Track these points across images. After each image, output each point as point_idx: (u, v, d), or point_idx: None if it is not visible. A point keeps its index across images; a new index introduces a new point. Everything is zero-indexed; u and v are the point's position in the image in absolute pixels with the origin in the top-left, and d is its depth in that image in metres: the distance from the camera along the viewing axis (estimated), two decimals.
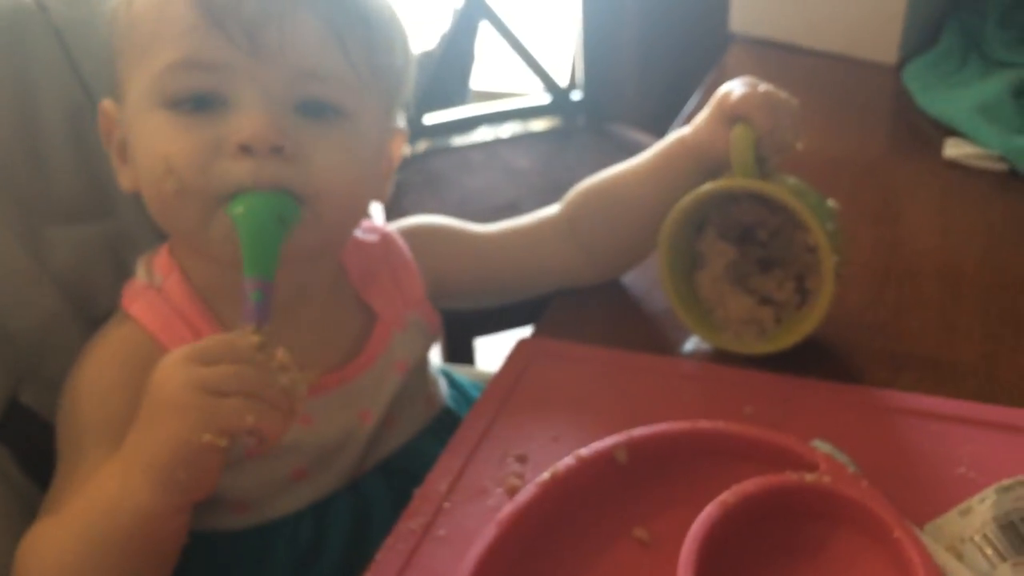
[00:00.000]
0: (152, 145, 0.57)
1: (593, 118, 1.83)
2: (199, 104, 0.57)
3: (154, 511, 0.52)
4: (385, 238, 0.71)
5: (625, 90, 1.90)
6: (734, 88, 0.68)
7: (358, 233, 0.70)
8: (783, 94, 0.68)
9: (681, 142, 0.71)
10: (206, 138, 0.56)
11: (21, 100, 0.67)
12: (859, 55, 1.18)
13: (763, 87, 0.68)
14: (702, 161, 0.70)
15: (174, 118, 0.57)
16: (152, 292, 0.64)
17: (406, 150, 1.86)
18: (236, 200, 0.56)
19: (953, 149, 0.95)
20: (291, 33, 0.56)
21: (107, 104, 0.62)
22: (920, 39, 1.17)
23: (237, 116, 0.56)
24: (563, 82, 1.83)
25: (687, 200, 0.67)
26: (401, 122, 0.68)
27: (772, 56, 1.23)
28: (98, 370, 0.61)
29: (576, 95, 1.82)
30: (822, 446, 0.57)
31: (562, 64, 1.92)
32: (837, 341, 0.70)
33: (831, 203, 0.68)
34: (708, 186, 0.66)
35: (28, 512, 0.60)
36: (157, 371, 0.52)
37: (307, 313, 0.65)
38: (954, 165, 0.94)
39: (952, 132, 0.98)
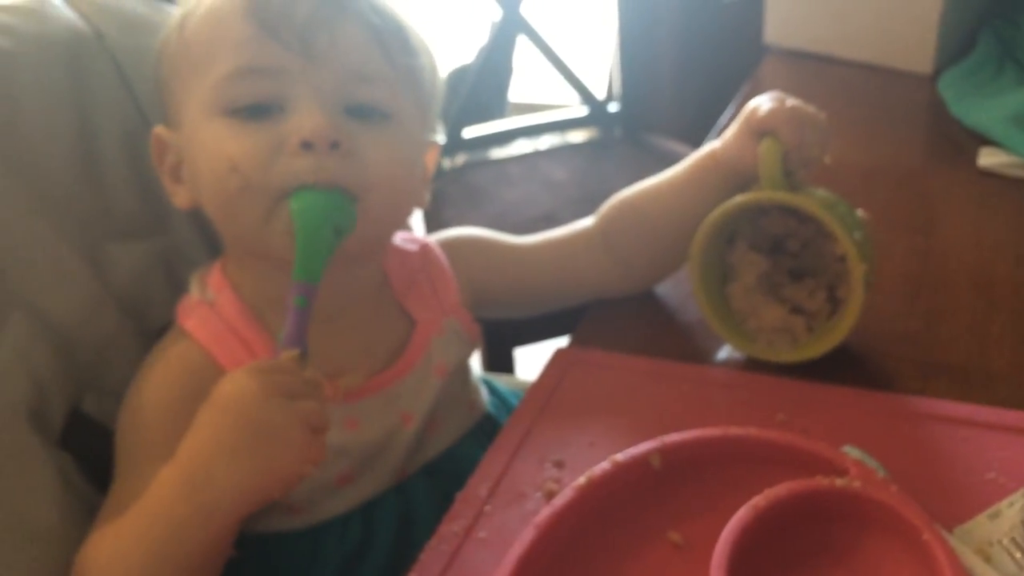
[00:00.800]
0: (216, 149, 0.61)
1: (630, 129, 1.85)
2: (257, 112, 0.61)
3: (221, 526, 0.55)
4: (424, 248, 0.74)
5: (662, 101, 1.92)
6: (762, 103, 0.69)
7: (399, 242, 0.73)
8: (810, 109, 0.70)
9: (711, 156, 0.73)
10: (267, 138, 0.60)
11: (81, 123, 0.71)
12: (894, 65, 1.19)
13: (791, 102, 0.69)
14: (732, 174, 0.71)
15: (235, 124, 0.61)
16: (205, 307, 0.67)
17: (445, 163, 1.89)
18: (296, 195, 0.60)
19: (988, 158, 0.96)
20: (340, 37, 0.61)
21: (160, 129, 0.66)
22: (955, 49, 1.17)
23: (295, 117, 0.60)
24: (600, 94, 1.85)
25: (717, 213, 0.68)
26: (435, 136, 0.71)
27: (807, 67, 1.25)
28: (156, 387, 0.65)
29: (613, 107, 1.84)
30: (852, 452, 0.58)
31: (599, 76, 1.94)
32: (869, 349, 0.71)
33: (861, 213, 0.69)
34: (737, 199, 0.68)
35: (90, 517, 0.63)
36: (239, 396, 0.55)
37: (351, 319, 0.68)
38: (988, 174, 0.95)
39: (987, 141, 0.99)
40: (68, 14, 0.74)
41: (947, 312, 0.75)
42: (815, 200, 0.67)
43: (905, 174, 0.99)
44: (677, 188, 0.75)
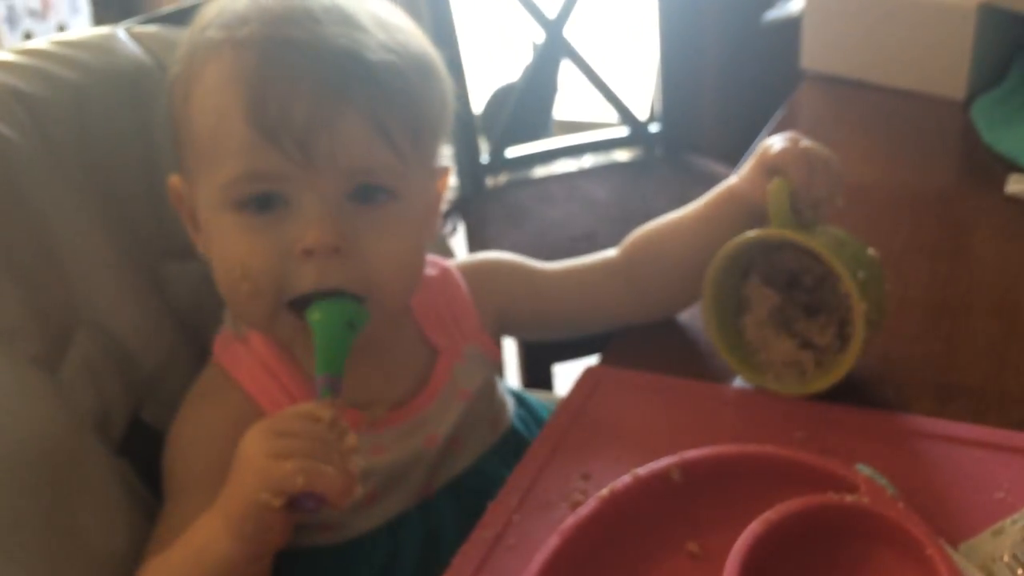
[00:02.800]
0: (227, 248, 0.64)
1: (671, 150, 1.87)
2: (263, 204, 0.63)
3: (232, 558, 0.58)
4: (444, 273, 0.77)
5: (702, 123, 1.94)
6: (775, 142, 0.72)
7: None
8: (824, 151, 0.72)
9: (728, 191, 0.76)
10: (274, 244, 0.62)
11: (144, 150, 0.76)
12: (927, 91, 1.21)
13: (804, 143, 0.71)
14: (747, 209, 0.74)
15: (243, 220, 0.63)
16: (239, 344, 0.71)
17: (488, 181, 1.93)
18: (313, 307, 0.63)
19: (1015, 185, 0.97)
20: (340, 137, 0.61)
21: (175, 180, 0.69)
22: (988, 76, 1.19)
23: (298, 220, 0.62)
24: (642, 115, 1.88)
25: (728, 247, 0.71)
26: (443, 161, 0.73)
27: (842, 92, 1.27)
28: (195, 423, 0.69)
29: (655, 127, 1.87)
30: (864, 470, 0.61)
31: (641, 97, 1.97)
32: (889, 370, 0.74)
33: (871, 252, 0.72)
34: (746, 235, 0.70)
35: (149, 521, 0.68)
36: (245, 437, 0.59)
37: (374, 352, 0.70)
38: (1016, 201, 0.96)
39: (1017, 168, 1.00)
40: (133, 48, 0.79)
41: (967, 336, 0.78)
42: (820, 238, 0.69)
43: (934, 198, 1.01)
44: (695, 222, 0.78)
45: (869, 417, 0.69)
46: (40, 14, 2.59)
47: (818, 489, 0.58)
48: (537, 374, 1.54)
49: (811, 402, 0.70)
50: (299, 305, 0.64)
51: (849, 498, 0.56)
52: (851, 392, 0.71)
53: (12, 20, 2.54)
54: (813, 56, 1.31)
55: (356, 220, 0.63)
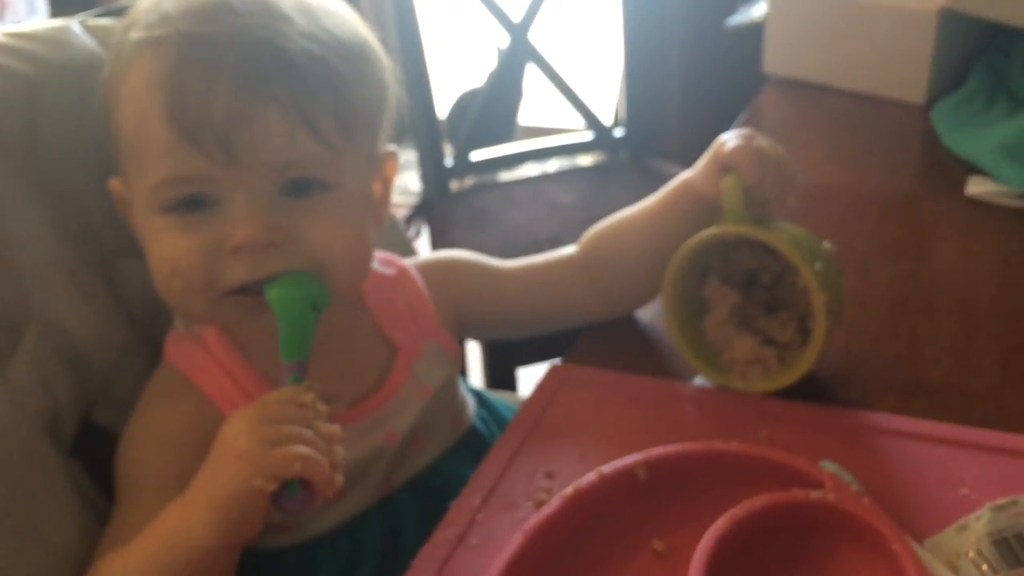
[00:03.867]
0: (157, 249, 0.63)
1: (635, 154, 1.88)
2: (192, 205, 0.62)
3: (209, 546, 0.57)
4: (401, 272, 0.77)
5: (667, 127, 1.95)
6: (729, 139, 0.72)
7: (376, 267, 0.75)
8: (777, 151, 0.72)
9: (683, 185, 0.76)
10: (204, 240, 0.61)
11: (97, 144, 0.73)
12: (888, 95, 1.22)
13: (757, 142, 0.71)
14: (703, 204, 0.73)
15: (172, 221, 0.62)
16: (191, 343, 0.69)
17: (453, 185, 1.92)
18: (271, 286, 0.62)
19: (976, 187, 0.98)
20: (262, 133, 0.60)
21: (115, 183, 0.68)
22: (948, 80, 1.20)
23: (227, 218, 0.61)
24: (607, 119, 1.88)
25: (685, 248, 0.71)
26: (389, 146, 0.71)
27: (804, 95, 1.28)
28: (149, 424, 0.68)
29: (619, 132, 1.87)
30: (829, 466, 0.60)
31: (606, 102, 1.97)
32: (852, 369, 0.74)
33: (827, 245, 0.72)
34: (702, 234, 0.70)
35: (100, 524, 0.66)
36: (227, 425, 0.58)
37: (330, 350, 0.69)
38: (976, 202, 0.97)
39: (976, 170, 1.01)
40: (88, 41, 0.77)
41: (930, 334, 0.78)
42: (776, 233, 0.69)
43: (896, 200, 1.02)
44: (652, 216, 0.77)
45: (833, 414, 0.69)
46: None
47: (783, 485, 0.57)
48: (500, 377, 1.53)
49: (775, 400, 0.70)
50: (252, 291, 0.62)
51: (814, 494, 0.56)
52: (815, 390, 0.71)
53: None
54: (776, 61, 1.32)
55: (290, 213, 0.62)
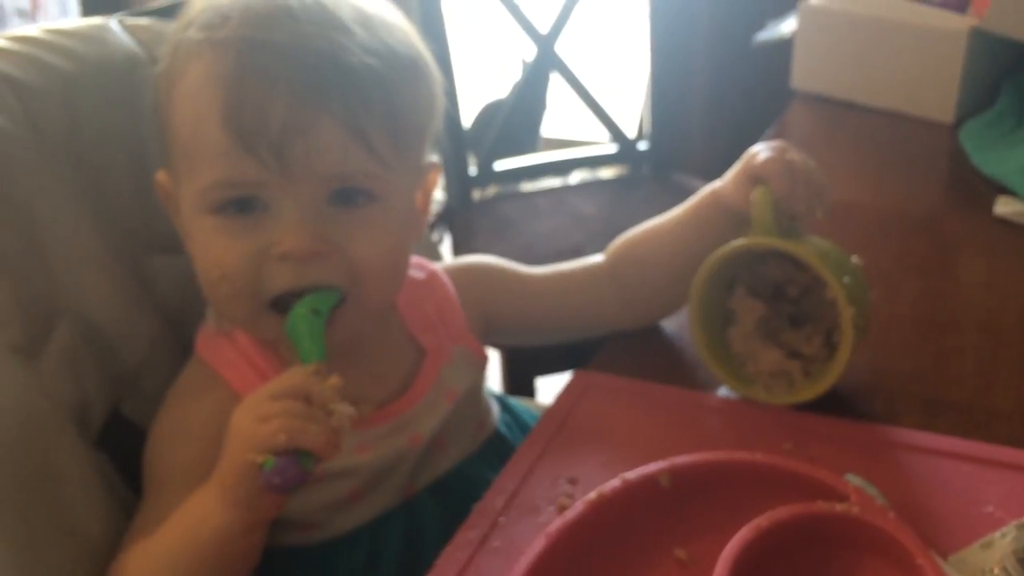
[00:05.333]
0: (206, 251, 0.64)
1: (658, 168, 1.88)
2: (241, 208, 0.62)
3: (228, 528, 0.58)
4: (431, 275, 0.77)
5: (691, 141, 1.95)
6: (761, 150, 0.72)
7: (409, 271, 0.74)
8: (808, 164, 0.72)
9: (713, 195, 0.76)
10: (252, 246, 0.62)
11: (134, 143, 0.75)
12: (917, 113, 1.22)
13: (789, 155, 0.71)
14: (731, 214, 0.74)
15: (221, 223, 0.63)
16: (223, 339, 0.70)
17: (476, 194, 1.92)
18: (288, 314, 0.63)
19: (1003, 207, 0.98)
20: (316, 144, 0.60)
21: (161, 175, 0.68)
22: (977, 99, 1.20)
23: (276, 224, 0.62)
24: (631, 133, 1.88)
25: (712, 259, 0.71)
26: (432, 157, 0.72)
27: (831, 112, 1.28)
28: (178, 418, 0.68)
29: (643, 145, 1.87)
30: (854, 480, 0.60)
31: (630, 115, 1.98)
32: (877, 385, 0.74)
33: (855, 259, 0.72)
34: (731, 245, 0.70)
35: (127, 514, 0.67)
36: (234, 414, 0.59)
37: (360, 352, 0.70)
38: (1004, 222, 0.97)
39: (1004, 190, 1.01)
40: (125, 39, 0.78)
41: (955, 352, 0.78)
42: (805, 246, 0.69)
43: (922, 219, 1.02)
44: (680, 225, 0.78)
45: (858, 429, 0.68)
46: (29, 14, 2.58)
47: (808, 498, 0.57)
48: (519, 387, 1.53)
49: (799, 413, 0.70)
50: (281, 306, 0.63)
51: (839, 507, 0.56)
52: (839, 405, 0.71)
53: (1, 20, 2.52)
54: (804, 77, 1.32)
55: (336, 222, 0.63)
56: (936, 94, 1.19)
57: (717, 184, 0.76)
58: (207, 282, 0.65)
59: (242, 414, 0.58)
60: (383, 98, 0.63)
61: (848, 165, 1.14)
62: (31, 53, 0.72)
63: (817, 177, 0.72)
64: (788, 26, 1.46)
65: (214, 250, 0.63)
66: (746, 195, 0.71)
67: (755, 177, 0.71)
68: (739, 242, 0.70)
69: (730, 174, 0.74)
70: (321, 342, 0.62)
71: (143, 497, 0.67)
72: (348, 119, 0.61)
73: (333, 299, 0.64)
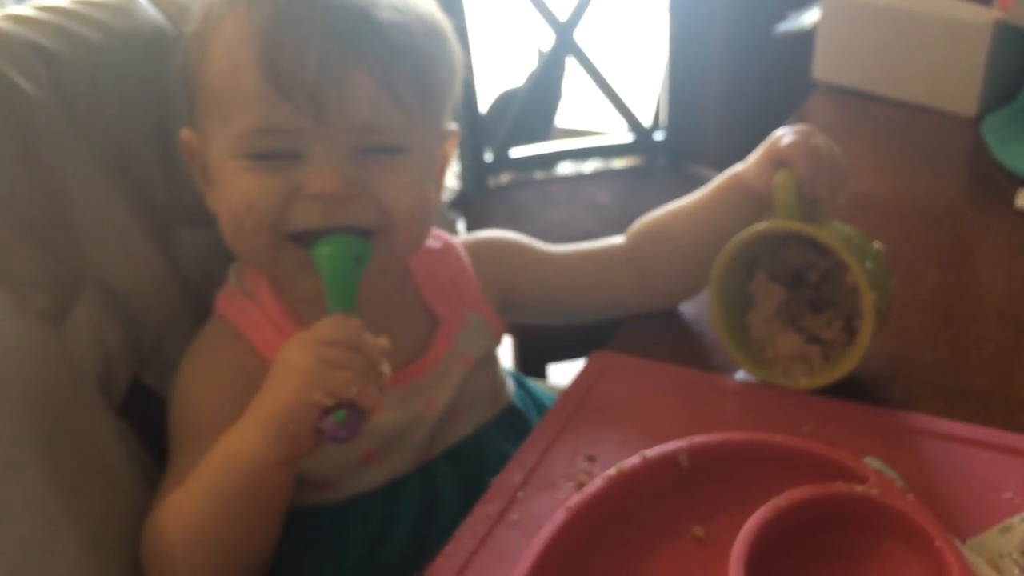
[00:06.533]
0: (235, 187, 0.65)
1: (674, 158, 1.88)
2: (274, 155, 0.64)
3: (267, 459, 0.59)
4: (446, 245, 0.78)
5: (707, 132, 1.95)
6: (785, 134, 0.72)
7: None
8: (832, 149, 0.72)
9: (735, 177, 0.76)
10: (283, 183, 0.64)
11: (160, 114, 0.75)
12: (939, 106, 1.21)
13: (814, 139, 0.71)
14: (753, 197, 0.74)
15: (254, 165, 0.64)
16: (243, 298, 0.71)
17: (491, 181, 1.92)
18: (319, 244, 0.64)
19: None
20: (349, 93, 0.63)
21: (186, 133, 0.70)
22: (1000, 93, 1.19)
23: (308, 168, 0.64)
24: (647, 122, 1.88)
25: (734, 243, 0.71)
26: (451, 124, 0.74)
27: (853, 103, 1.28)
28: (201, 373, 0.69)
29: (659, 135, 1.87)
30: (873, 463, 0.60)
31: (646, 105, 1.97)
32: (896, 373, 0.74)
33: (877, 245, 0.72)
34: (752, 228, 0.70)
35: (150, 485, 0.67)
36: (284, 349, 0.60)
37: (376, 315, 0.70)
38: None
39: None
40: (153, 12, 0.79)
41: (974, 342, 0.78)
42: (827, 230, 0.69)
43: (943, 211, 1.01)
44: (701, 208, 0.78)
45: (877, 414, 0.68)
46: None
47: (827, 479, 0.58)
48: (531, 373, 1.53)
49: (818, 397, 0.70)
50: (304, 241, 0.65)
51: (859, 488, 0.56)
52: (858, 391, 0.71)
53: None
54: (825, 67, 1.31)
55: (365, 168, 0.65)
56: (959, 87, 1.19)
57: (739, 167, 0.76)
58: (232, 216, 0.66)
59: (298, 352, 0.59)
60: (411, 54, 0.65)
61: (869, 156, 1.14)
62: (60, 23, 0.72)
63: (841, 162, 0.72)
64: (810, 17, 1.45)
65: (244, 185, 0.64)
66: (769, 178, 0.71)
67: (779, 160, 0.71)
68: (761, 225, 0.70)
69: (753, 157, 0.74)
70: (355, 292, 0.63)
71: (170, 456, 0.67)
72: (379, 71, 0.63)
73: (370, 252, 0.65)
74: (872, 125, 1.22)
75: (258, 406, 0.60)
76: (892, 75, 1.25)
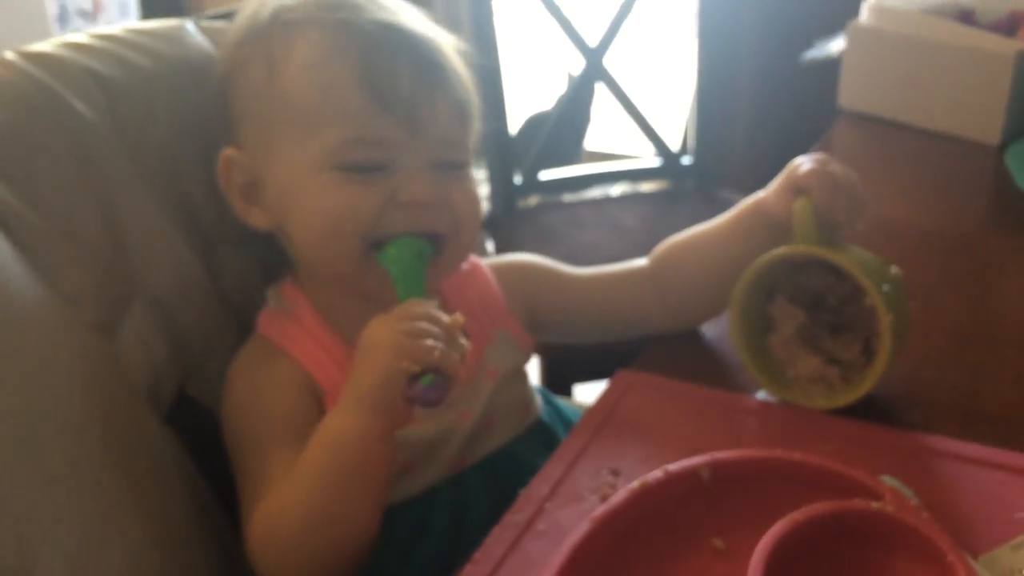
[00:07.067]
0: (328, 197, 0.69)
1: (702, 183, 1.89)
2: (365, 167, 0.70)
3: (370, 432, 0.63)
4: (473, 266, 0.82)
5: (734, 157, 1.97)
6: (804, 162, 0.74)
7: None
8: (850, 177, 0.74)
9: (756, 204, 0.79)
10: (380, 193, 0.69)
11: (205, 137, 0.79)
12: (963, 135, 1.23)
13: (832, 167, 0.74)
14: (773, 223, 0.76)
15: (347, 177, 0.69)
16: (283, 316, 0.75)
17: (520, 203, 1.94)
18: (388, 247, 0.69)
19: None
20: (436, 110, 0.71)
21: (231, 151, 0.73)
22: (1023, 122, 1.21)
23: (400, 178, 0.70)
24: (674, 147, 1.90)
25: (753, 267, 0.73)
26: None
27: (877, 131, 1.30)
28: (257, 385, 0.73)
29: (686, 160, 1.89)
30: (890, 481, 0.62)
31: (674, 129, 2.00)
32: (913, 395, 0.75)
33: (894, 270, 0.73)
34: (772, 253, 0.72)
35: (194, 493, 0.71)
36: (367, 331, 0.65)
37: None
38: None
39: None
40: (201, 40, 0.83)
41: (993, 367, 0.79)
42: (844, 255, 0.71)
43: (965, 239, 1.03)
44: (722, 233, 0.81)
45: (893, 435, 0.70)
46: (91, 15, 2.66)
47: (844, 496, 0.59)
48: (558, 391, 1.55)
49: (836, 417, 0.72)
50: (377, 247, 0.70)
51: (875, 504, 0.58)
52: (876, 412, 0.73)
53: (63, 19, 2.60)
54: (851, 96, 1.34)
55: (442, 183, 0.72)
56: (983, 116, 1.20)
57: (760, 194, 0.78)
58: (325, 224, 0.70)
59: (380, 329, 0.64)
60: (463, 81, 0.74)
61: (893, 184, 1.16)
62: (114, 50, 0.77)
63: (858, 190, 0.74)
64: (836, 45, 1.47)
65: (340, 195, 0.69)
66: (788, 205, 0.73)
67: (797, 188, 0.73)
68: (780, 250, 0.73)
69: (773, 185, 0.77)
70: (422, 284, 0.69)
71: (242, 466, 0.70)
72: (451, 92, 0.72)
73: (430, 250, 0.71)
74: (896, 152, 1.24)
75: (351, 387, 0.64)
76: (916, 104, 1.27)
